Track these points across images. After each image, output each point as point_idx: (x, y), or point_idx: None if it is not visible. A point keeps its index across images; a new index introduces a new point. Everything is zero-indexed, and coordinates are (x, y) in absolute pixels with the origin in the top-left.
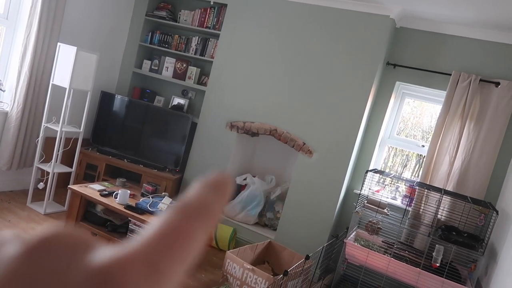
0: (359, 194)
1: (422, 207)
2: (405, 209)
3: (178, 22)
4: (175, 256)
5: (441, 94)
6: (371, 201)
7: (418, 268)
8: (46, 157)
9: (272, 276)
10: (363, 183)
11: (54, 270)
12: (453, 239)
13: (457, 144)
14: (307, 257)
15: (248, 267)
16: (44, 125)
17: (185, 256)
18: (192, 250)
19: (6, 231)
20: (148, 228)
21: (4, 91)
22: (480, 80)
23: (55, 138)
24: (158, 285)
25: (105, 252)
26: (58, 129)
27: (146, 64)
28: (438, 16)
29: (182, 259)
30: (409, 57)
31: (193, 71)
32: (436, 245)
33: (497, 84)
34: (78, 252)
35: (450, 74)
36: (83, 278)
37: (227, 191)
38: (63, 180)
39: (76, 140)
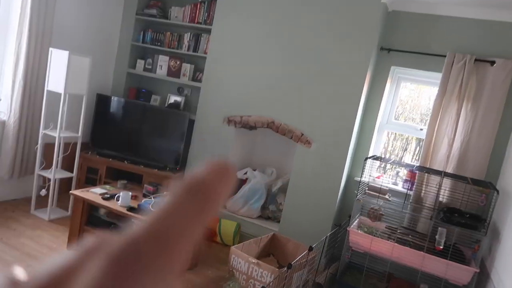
0: (360, 181)
1: (423, 191)
2: (406, 194)
3: (169, 19)
4: (182, 232)
5: (437, 76)
6: (372, 188)
7: (422, 252)
8: (47, 164)
9: (277, 269)
10: (363, 171)
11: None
12: (456, 220)
13: (455, 126)
14: (310, 249)
15: (253, 261)
16: (42, 132)
17: (190, 234)
18: (196, 228)
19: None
20: (154, 210)
21: (0, 100)
22: (475, 59)
23: (54, 144)
24: (170, 261)
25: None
26: (56, 135)
27: (140, 63)
28: None
29: (188, 236)
30: (403, 41)
31: (187, 68)
32: (439, 228)
33: (493, 63)
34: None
35: (445, 56)
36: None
37: (230, 178)
38: (65, 185)
39: (76, 144)
